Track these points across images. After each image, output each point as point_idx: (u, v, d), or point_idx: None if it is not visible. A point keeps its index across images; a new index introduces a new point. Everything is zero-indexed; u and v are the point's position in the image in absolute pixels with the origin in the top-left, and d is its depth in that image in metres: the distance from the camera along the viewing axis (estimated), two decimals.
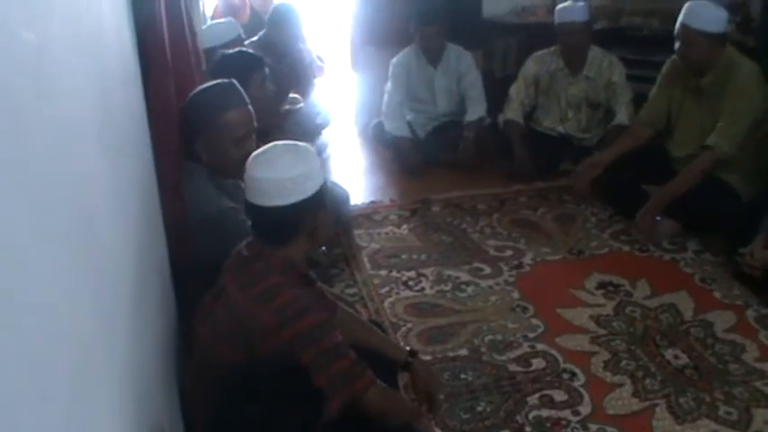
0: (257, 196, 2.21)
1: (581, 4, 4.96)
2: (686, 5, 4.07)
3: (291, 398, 2.04)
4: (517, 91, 5.13)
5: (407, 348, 2.71)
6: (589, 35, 4.95)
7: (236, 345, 2.17)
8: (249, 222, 2.30)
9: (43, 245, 1.14)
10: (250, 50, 3.86)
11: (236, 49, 3.82)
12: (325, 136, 5.61)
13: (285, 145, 2.28)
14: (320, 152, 5.36)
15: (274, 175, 2.17)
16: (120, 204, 1.90)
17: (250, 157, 2.25)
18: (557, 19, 4.93)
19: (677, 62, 4.24)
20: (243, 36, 4.72)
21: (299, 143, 2.32)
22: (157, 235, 2.49)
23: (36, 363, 1.05)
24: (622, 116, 4.84)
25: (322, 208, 2.27)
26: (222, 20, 4.99)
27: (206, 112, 2.83)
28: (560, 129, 5.12)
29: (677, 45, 4.10)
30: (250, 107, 2.92)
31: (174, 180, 2.65)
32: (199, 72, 3.28)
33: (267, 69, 3.67)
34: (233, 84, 2.91)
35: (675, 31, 4.09)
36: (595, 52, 4.98)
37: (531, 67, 5.14)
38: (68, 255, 1.31)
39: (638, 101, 4.68)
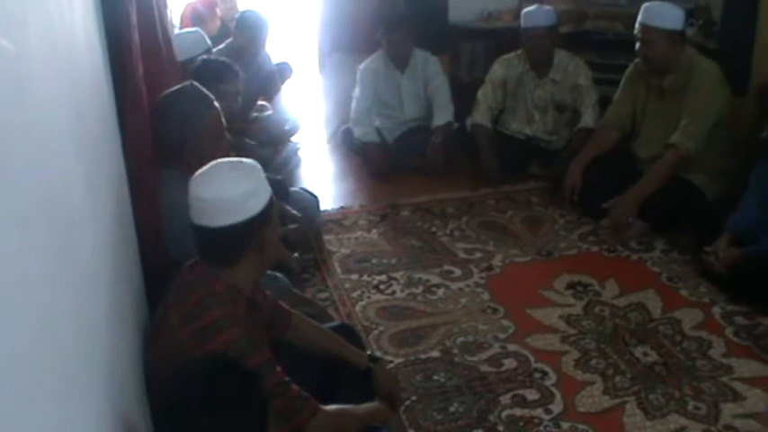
0: (201, 217, 2.16)
1: (547, 8, 5.02)
2: (643, 6, 4.16)
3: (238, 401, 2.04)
4: (484, 94, 5.16)
5: (368, 353, 2.73)
6: (555, 39, 4.99)
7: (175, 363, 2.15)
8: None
9: (23, 255, 1.15)
10: (227, 60, 3.87)
11: (214, 58, 3.84)
12: (294, 142, 5.62)
13: (229, 163, 2.23)
14: (289, 159, 5.38)
15: (217, 194, 2.12)
16: (96, 212, 1.91)
17: (193, 177, 2.20)
18: (522, 23, 4.97)
19: (640, 64, 4.31)
20: (211, 48, 4.71)
21: (244, 160, 2.27)
22: (130, 242, 2.49)
23: (23, 370, 1.06)
24: (588, 118, 4.89)
25: (268, 226, 2.22)
26: (189, 30, 4.97)
27: (191, 117, 2.85)
28: (527, 131, 5.15)
29: (638, 45, 4.17)
30: (216, 103, 2.97)
31: (150, 187, 2.65)
32: (175, 80, 3.27)
33: (240, 86, 3.73)
34: (196, 85, 2.94)
35: (635, 31, 4.17)
36: (561, 55, 5.02)
37: (497, 70, 5.17)
38: (48, 264, 1.32)
39: (604, 103, 4.74)
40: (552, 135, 5.12)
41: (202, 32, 4.79)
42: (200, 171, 2.21)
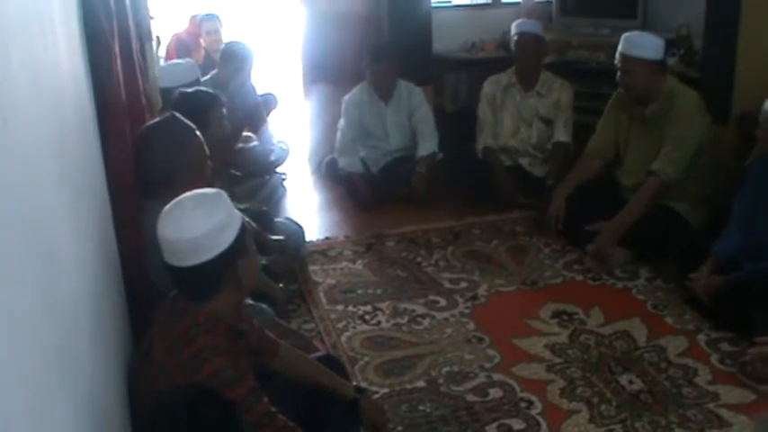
0: (172, 258, 2.13)
1: (536, 21, 5.28)
2: (623, 36, 4.21)
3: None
4: (483, 112, 5.28)
5: (354, 384, 2.72)
6: (544, 50, 5.20)
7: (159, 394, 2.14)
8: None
9: (5, 281, 1.14)
10: (208, 89, 3.88)
11: (195, 88, 3.85)
12: (280, 173, 5.62)
13: (194, 198, 2.18)
14: (275, 190, 5.38)
15: (185, 235, 2.08)
16: (79, 239, 1.90)
17: (160, 216, 2.16)
18: (515, 30, 5.16)
19: (622, 94, 4.35)
20: (200, 79, 4.73)
21: (209, 191, 2.23)
22: (114, 270, 2.48)
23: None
24: (560, 132, 5.08)
25: (244, 255, 2.20)
26: (182, 61, 5.00)
27: (175, 148, 2.87)
28: (512, 143, 5.23)
29: (618, 75, 4.21)
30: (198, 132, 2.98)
31: (132, 216, 2.65)
32: (150, 112, 3.28)
33: (225, 110, 3.72)
34: (178, 116, 2.95)
35: (616, 61, 4.21)
36: (547, 75, 5.21)
37: (486, 87, 5.32)
38: (30, 291, 1.31)
39: (587, 132, 4.76)
40: (537, 150, 5.20)
41: (193, 62, 4.82)
42: (165, 209, 2.17)
